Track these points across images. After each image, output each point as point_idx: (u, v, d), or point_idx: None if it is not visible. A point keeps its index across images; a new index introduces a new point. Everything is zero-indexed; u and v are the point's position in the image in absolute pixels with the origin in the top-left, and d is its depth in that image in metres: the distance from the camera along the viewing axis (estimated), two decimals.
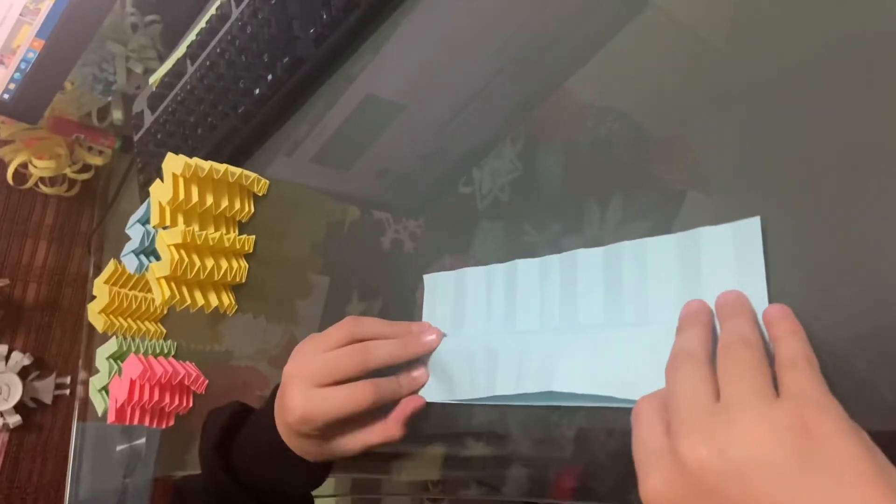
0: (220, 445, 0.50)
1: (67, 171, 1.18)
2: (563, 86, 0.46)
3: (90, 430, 1.20)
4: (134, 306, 0.82)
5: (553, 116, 0.47)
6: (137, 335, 0.83)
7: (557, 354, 0.38)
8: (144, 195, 0.92)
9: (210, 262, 0.69)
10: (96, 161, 1.18)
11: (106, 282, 0.82)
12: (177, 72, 0.88)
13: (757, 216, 0.33)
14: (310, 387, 0.45)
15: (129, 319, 0.83)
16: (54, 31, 0.87)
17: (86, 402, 1.23)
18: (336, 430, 0.46)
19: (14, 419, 1.22)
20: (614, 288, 0.39)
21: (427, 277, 0.52)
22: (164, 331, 0.86)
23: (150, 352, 0.80)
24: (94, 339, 1.22)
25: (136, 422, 0.72)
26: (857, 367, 0.30)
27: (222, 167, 0.69)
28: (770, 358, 0.29)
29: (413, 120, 0.59)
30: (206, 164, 0.67)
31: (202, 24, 0.85)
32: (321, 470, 0.50)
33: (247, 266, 0.73)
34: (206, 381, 0.75)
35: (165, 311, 0.86)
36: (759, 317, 0.32)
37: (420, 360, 0.48)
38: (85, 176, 1.22)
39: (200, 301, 0.69)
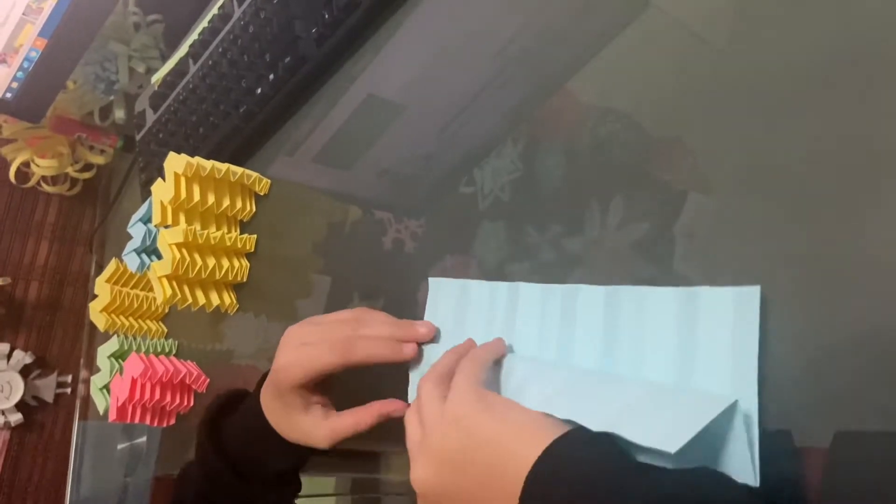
0: (211, 422, 0.53)
1: (69, 170, 1.18)
2: (565, 86, 0.46)
3: (91, 429, 1.21)
4: (135, 305, 0.82)
5: (554, 117, 0.47)
6: (139, 334, 0.83)
7: (551, 395, 0.38)
8: (146, 194, 0.92)
9: (211, 262, 0.69)
10: (98, 160, 1.18)
11: (107, 280, 0.82)
12: (179, 71, 0.88)
13: (757, 286, 0.33)
14: (296, 347, 0.48)
15: (131, 318, 0.83)
16: (57, 31, 0.87)
17: (87, 400, 1.23)
18: (302, 397, 0.48)
19: (15, 417, 1.22)
20: (611, 335, 0.39)
21: (432, 281, 0.52)
22: (166, 330, 0.86)
23: (151, 350, 0.80)
24: (96, 338, 1.23)
25: (137, 420, 0.72)
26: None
27: (224, 167, 0.69)
28: None
29: (414, 120, 0.59)
30: (208, 164, 0.67)
31: (204, 23, 0.85)
32: (302, 450, 0.51)
33: (248, 265, 0.73)
34: (208, 380, 0.75)
35: (167, 310, 0.86)
36: (754, 384, 0.32)
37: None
38: (87, 175, 1.22)
39: (202, 300, 0.70)
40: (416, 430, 0.39)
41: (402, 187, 0.58)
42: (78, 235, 1.33)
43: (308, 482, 0.57)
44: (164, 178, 0.67)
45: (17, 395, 1.22)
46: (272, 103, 0.72)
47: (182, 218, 0.68)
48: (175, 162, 0.66)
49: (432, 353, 0.48)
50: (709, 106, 0.38)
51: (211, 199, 0.69)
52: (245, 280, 0.73)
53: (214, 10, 0.83)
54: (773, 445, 0.31)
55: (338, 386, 0.51)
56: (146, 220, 0.77)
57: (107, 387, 0.80)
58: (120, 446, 0.96)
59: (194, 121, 0.81)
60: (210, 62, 0.80)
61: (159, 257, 0.70)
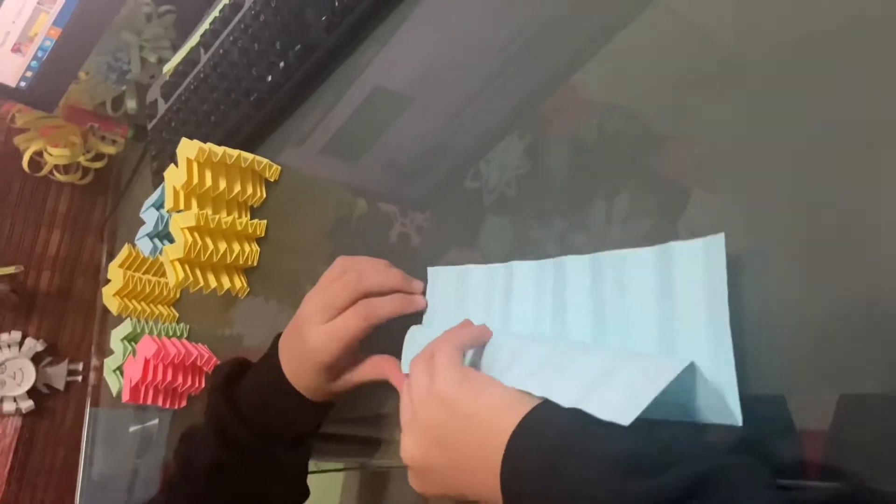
0: (225, 388, 0.54)
1: (81, 159, 1.20)
2: (570, 82, 0.47)
3: (102, 416, 1.22)
4: (147, 290, 0.84)
5: (560, 113, 0.47)
6: (151, 318, 0.85)
7: (545, 372, 0.39)
8: (157, 183, 0.93)
9: (223, 246, 0.71)
10: (109, 150, 1.20)
11: (120, 266, 0.83)
12: (190, 60, 0.89)
13: (722, 233, 0.34)
14: (322, 323, 0.50)
15: (143, 303, 0.85)
16: (71, 20, 0.89)
17: (98, 388, 1.25)
18: (342, 362, 0.51)
19: (27, 404, 1.24)
20: (599, 301, 0.40)
21: (431, 270, 0.53)
22: (177, 315, 0.88)
23: (163, 334, 0.82)
24: (107, 326, 1.24)
25: (149, 401, 0.74)
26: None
27: (235, 152, 0.70)
28: None
29: (421, 112, 0.60)
30: (220, 150, 0.69)
31: (215, 13, 0.87)
32: (322, 408, 0.54)
33: (258, 250, 0.74)
34: (219, 363, 0.76)
35: (178, 295, 0.88)
36: (722, 327, 0.33)
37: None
38: (98, 164, 1.24)
39: (213, 283, 0.71)
40: (406, 408, 0.41)
41: (407, 180, 0.59)
42: (89, 225, 1.34)
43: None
44: (176, 165, 0.69)
45: (29, 383, 1.24)
46: (282, 91, 0.73)
47: (194, 203, 0.70)
48: (188, 147, 0.67)
49: (433, 335, 0.49)
50: (714, 103, 0.38)
51: (222, 184, 0.70)
52: (255, 264, 0.74)
53: (225, 0, 0.84)
54: (758, 388, 0.32)
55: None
56: (159, 205, 0.78)
57: (120, 369, 0.82)
58: (132, 429, 0.98)
59: (205, 109, 0.82)
60: (221, 51, 0.81)
61: (171, 242, 0.72)
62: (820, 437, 0.32)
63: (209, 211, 0.70)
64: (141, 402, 0.73)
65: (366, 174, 0.65)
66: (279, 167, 0.74)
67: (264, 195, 0.75)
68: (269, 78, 0.73)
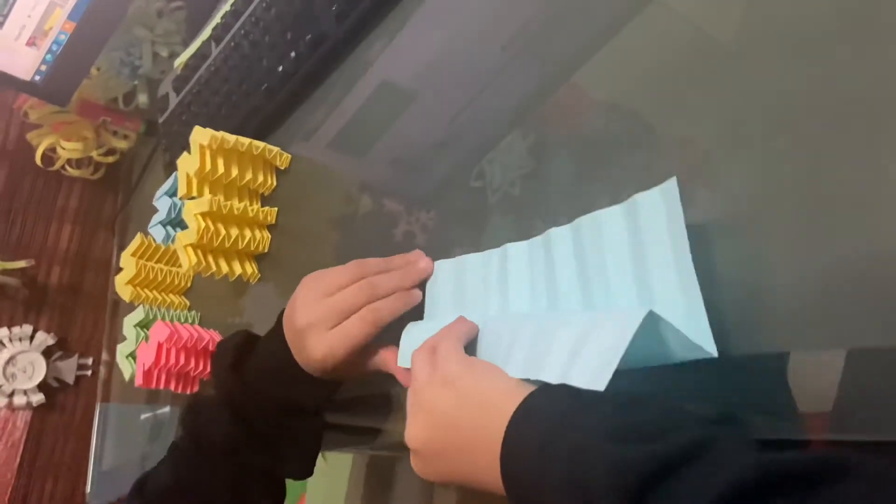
0: (234, 365, 0.55)
1: (93, 153, 1.21)
2: (574, 82, 0.47)
3: (112, 410, 1.23)
4: (159, 279, 0.85)
5: (564, 113, 0.48)
6: (162, 306, 0.86)
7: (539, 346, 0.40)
8: (169, 175, 0.95)
9: (234, 232, 0.72)
10: (121, 145, 1.21)
11: (133, 254, 0.85)
12: (202, 54, 0.90)
13: (674, 177, 0.36)
14: (325, 331, 0.50)
15: (155, 291, 0.86)
16: (85, 14, 0.90)
17: (108, 383, 1.26)
18: (346, 363, 0.51)
19: (37, 397, 1.25)
20: (582, 265, 0.41)
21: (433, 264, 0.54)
22: (188, 303, 0.89)
23: (175, 320, 0.83)
24: (117, 321, 1.25)
25: (162, 386, 0.75)
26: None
27: (246, 140, 0.72)
28: None
29: (427, 107, 0.61)
30: (232, 137, 0.70)
31: (227, 6, 0.88)
32: (331, 385, 0.55)
33: (269, 237, 0.76)
34: (222, 338, 0.77)
35: (190, 284, 0.89)
36: (686, 266, 0.35)
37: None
38: (110, 159, 1.25)
39: (225, 269, 0.72)
40: (411, 398, 0.42)
41: (414, 175, 0.60)
42: (100, 221, 1.36)
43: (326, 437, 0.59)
44: (189, 152, 0.70)
45: (40, 376, 1.25)
46: (293, 80, 0.75)
47: (206, 189, 0.71)
48: (200, 135, 0.68)
49: (431, 329, 0.50)
50: (719, 104, 0.38)
51: (234, 171, 0.72)
52: (267, 251, 0.75)
53: None
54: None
55: None
56: (172, 193, 0.80)
57: (133, 354, 0.83)
58: (143, 416, 0.99)
59: (216, 101, 0.84)
60: (232, 44, 0.83)
61: (184, 229, 0.73)
62: (818, 395, 0.33)
63: (221, 198, 0.71)
64: (154, 386, 0.74)
65: (373, 169, 0.66)
66: (289, 155, 0.76)
67: (275, 183, 0.76)
68: (280, 68, 0.75)
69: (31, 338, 1.27)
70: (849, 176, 0.32)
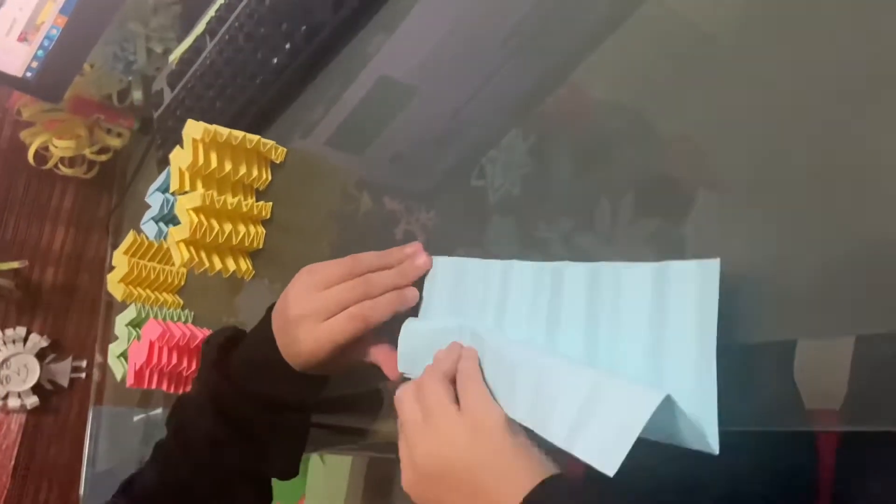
0: (219, 360, 0.54)
1: (86, 152, 1.20)
2: (576, 82, 0.47)
3: (106, 413, 1.22)
4: (152, 277, 0.84)
5: (565, 113, 0.47)
6: (155, 305, 0.84)
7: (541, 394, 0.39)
8: (163, 171, 0.93)
9: (228, 227, 0.70)
10: (115, 143, 1.20)
11: (125, 252, 0.83)
12: (196, 48, 0.89)
13: (717, 258, 0.34)
14: (316, 324, 0.49)
15: (148, 290, 0.84)
16: (77, 7, 0.89)
17: (101, 385, 1.25)
18: (333, 358, 0.51)
19: (31, 400, 1.24)
20: (593, 316, 0.40)
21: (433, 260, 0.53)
22: (181, 302, 0.88)
23: (167, 319, 0.81)
24: (111, 323, 1.24)
25: (154, 385, 0.73)
26: None
27: (240, 133, 0.70)
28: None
29: (427, 102, 0.60)
30: (225, 131, 0.69)
31: (220, 1, 0.87)
32: (315, 382, 0.54)
33: (264, 232, 0.74)
34: (210, 333, 0.76)
35: (183, 283, 0.88)
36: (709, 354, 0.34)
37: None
38: (103, 157, 1.24)
39: (218, 265, 0.71)
40: (415, 412, 0.42)
41: (414, 173, 0.59)
42: (94, 221, 1.34)
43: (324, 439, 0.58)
44: (182, 148, 0.68)
45: (34, 379, 1.24)
46: (288, 73, 0.73)
47: (199, 184, 0.69)
48: (193, 128, 0.67)
49: (428, 335, 0.50)
50: (721, 104, 0.38)
51: (228, 166, 0.70)
52: (261, 247, 0.74)
53: None
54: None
55: None
56: (164, 189, 0.78)
57: (124, 354, 0.82)
58: (136, 418, 0.97)
59: (211, 95, 0.82)
60: (226, 37, 0.81)
61: (177, 225, 0.71)
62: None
63: (214, 192, 0.70)
64: (146, 386, 0.72)
65: (372, 167, 0.64)
66: (284, 149, 0.74)
67: (270, 178, 0.74)
68: (275, 60, 0.73)
69: (25, 340, 1.25)
70: (853, 162, 0.32)
